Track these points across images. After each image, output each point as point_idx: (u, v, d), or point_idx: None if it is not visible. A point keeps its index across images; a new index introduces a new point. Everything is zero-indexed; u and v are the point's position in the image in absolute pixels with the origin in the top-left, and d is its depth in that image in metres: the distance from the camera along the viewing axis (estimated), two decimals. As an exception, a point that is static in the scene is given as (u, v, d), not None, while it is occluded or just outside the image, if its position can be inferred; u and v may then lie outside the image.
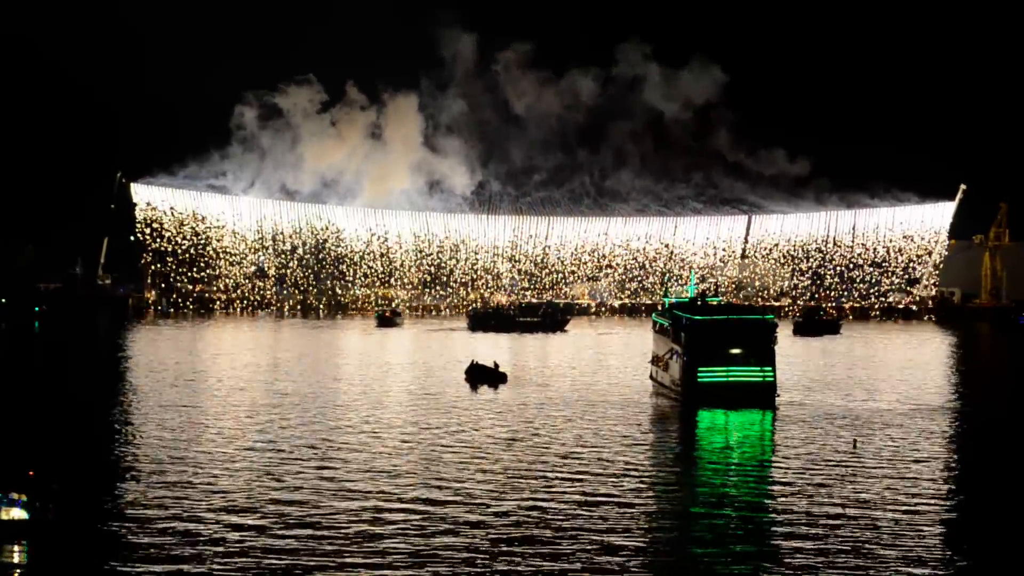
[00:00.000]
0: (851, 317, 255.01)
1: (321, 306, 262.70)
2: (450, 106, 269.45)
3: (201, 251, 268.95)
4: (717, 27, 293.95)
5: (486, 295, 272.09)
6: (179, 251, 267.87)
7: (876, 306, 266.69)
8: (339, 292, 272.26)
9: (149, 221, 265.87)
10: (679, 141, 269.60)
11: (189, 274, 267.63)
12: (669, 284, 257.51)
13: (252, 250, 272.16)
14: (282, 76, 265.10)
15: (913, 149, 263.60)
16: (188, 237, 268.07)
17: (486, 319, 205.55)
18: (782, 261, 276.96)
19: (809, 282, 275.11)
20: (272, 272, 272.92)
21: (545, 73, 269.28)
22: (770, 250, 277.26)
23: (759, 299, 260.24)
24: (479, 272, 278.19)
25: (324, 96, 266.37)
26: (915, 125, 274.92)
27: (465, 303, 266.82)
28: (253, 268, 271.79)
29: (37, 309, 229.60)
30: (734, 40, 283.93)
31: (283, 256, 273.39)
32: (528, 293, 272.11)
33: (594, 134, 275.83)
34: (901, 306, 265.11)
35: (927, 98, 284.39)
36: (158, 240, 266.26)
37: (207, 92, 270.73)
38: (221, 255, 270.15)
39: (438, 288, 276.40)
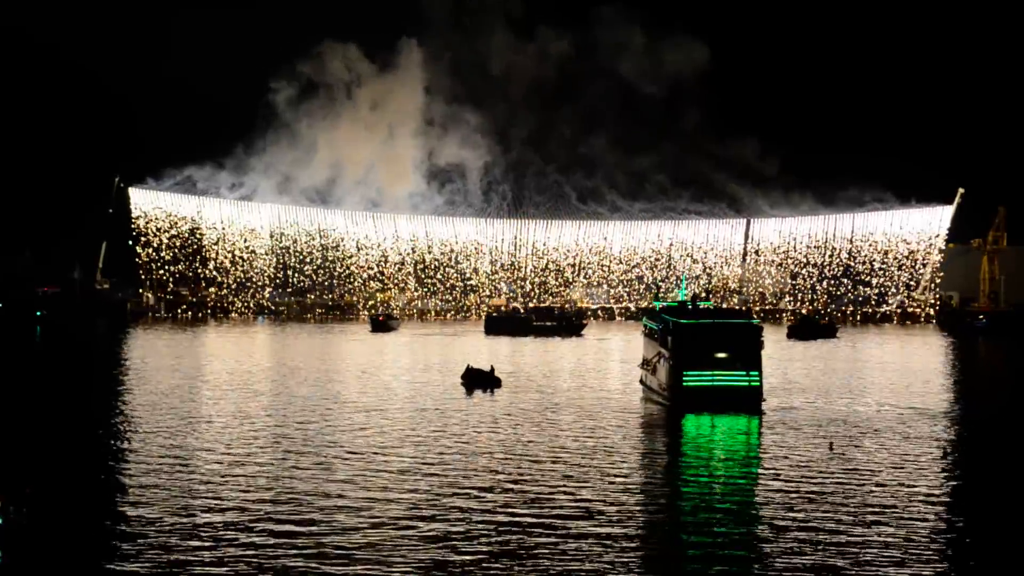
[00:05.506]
0: (856, 320, 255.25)
1: (305, 310, 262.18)
2: (441, 67, 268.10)
3: (198, 255, 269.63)
4: (707, 9, 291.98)
5: (487, 299, 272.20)
6: (177, 255, 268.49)
7: (875, 311, 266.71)
8: (336, 296, 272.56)
9: (146, 225, 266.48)
10: (650, 114, 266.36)
11: (187, 280, 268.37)
12: (662, 288, 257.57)
13: (250, 253, 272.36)
14: (285, 60, 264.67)
15: (911, 152, 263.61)
16: (184, 241, 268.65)
17: (502, 323, 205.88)
18: (780, 265, 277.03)
19: (809, 287, 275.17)
20: (269, 276, 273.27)
21: (519, 40, 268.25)
22: (775, 254, 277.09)
23: (757, 303, 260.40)
24: (481, 277, 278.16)
25: (360, 65, 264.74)
26: (913, 128, 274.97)
27: (459, 308, 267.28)
28: (251, 272, 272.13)
29: (39, 314, 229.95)
30: (724, 29, 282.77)
31: (283, 260, 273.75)
32: (520, 298, 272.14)
33: (565, 97, 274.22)
34: (898, 311, 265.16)
35: (926, 101, 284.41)
36: (151, 246, 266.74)
37: (203, 91, 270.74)
38: (218, 259, 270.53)
39: (440, 292, 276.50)
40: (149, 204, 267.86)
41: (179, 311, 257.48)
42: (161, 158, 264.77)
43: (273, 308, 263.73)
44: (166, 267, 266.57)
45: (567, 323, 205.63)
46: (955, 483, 60.30)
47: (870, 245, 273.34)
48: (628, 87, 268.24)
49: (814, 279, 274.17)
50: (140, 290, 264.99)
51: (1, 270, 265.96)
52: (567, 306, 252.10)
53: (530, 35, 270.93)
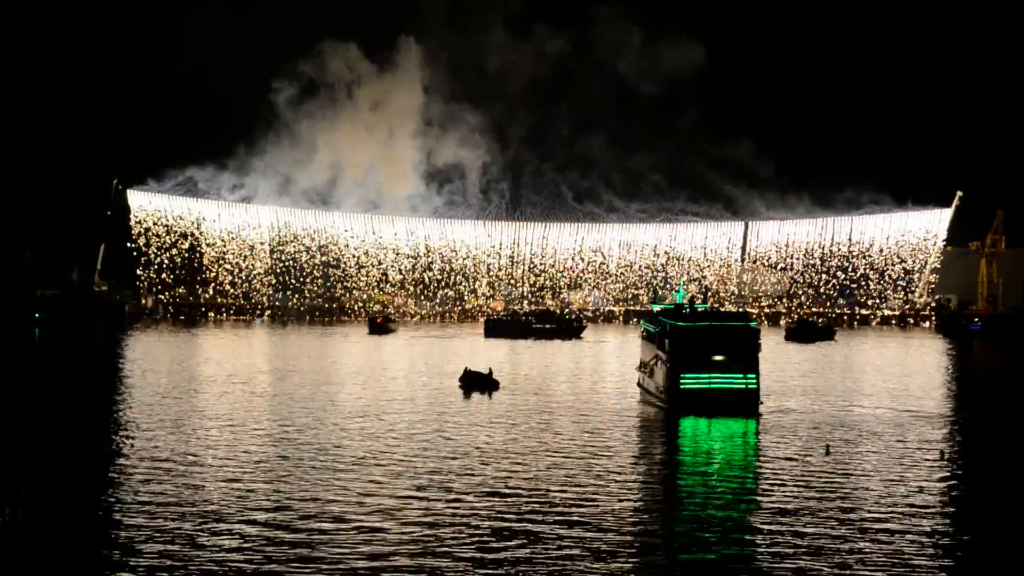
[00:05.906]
0: (854, 323, 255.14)
1: (294, 314, 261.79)
2: (439, 66, 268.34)
3: (198, 275, 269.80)
4: (704, 9, 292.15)
5: (485, 302, 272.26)
6: (175, 258, 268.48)
7: (874, 314, 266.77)
8: (335, 298, 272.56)
9: (146, 245, 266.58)
10: (647, 113, 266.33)
11: (184, 280, 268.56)
12: (660, 289, 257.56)
13: (246, 255, 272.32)
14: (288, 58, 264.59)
15: (909, 154, 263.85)
16: (184, 259, 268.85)
17: (501, 326, 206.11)
18: (777, 284, 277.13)
19: (808, 290, 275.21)
20: (269, 277, 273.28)
21: (516, 39, 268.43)
22: (772, 270, 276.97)
23: (756, 306, 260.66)
24: (480, 299, 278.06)
25: (360, 65, 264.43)
26: (911, 130, 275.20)
27: (456, 310, 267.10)
28: (251, 292, 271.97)
29: (37, 316, 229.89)
30: (721, 29, 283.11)
31: (283, 280, 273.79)
32: (525, 301, 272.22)
33: (562, 95, 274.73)
34: (896, 313, 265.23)
35: (925, 102, 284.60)
36: (153, 265, 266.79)
37: (205, 92, 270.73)
38: (217, 261, 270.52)
39: (439, 295, 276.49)
40: (148, 213, 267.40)
41: (174, 312, 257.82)
42: (162, 158, 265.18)
43: (272, 313, 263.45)
44: (168, 291, 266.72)
45: (566, 326, 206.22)
46: (952, 486, 60.37)
47: (867, 261, 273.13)
48: (625, 86, 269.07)
49: (810, 299, 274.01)
50: (141, 300, 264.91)
51: (0, 271, 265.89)
52: (567, 310, 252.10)
53: (527, 33, 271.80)
